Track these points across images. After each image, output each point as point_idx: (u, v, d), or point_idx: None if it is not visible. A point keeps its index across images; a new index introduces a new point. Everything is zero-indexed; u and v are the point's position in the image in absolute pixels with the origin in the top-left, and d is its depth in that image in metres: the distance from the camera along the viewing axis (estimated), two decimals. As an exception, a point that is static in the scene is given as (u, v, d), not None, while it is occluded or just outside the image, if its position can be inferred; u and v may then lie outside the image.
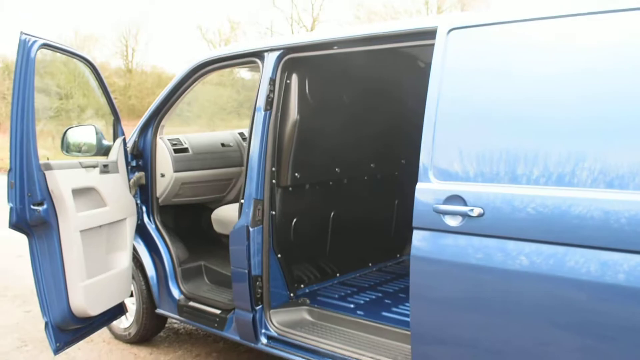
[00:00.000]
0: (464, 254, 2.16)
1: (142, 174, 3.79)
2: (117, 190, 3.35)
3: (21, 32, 2.71)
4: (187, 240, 3.92)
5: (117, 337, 4.04)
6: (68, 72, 32.07)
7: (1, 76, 25.40)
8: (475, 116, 2.23)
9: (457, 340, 2.30)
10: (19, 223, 2.74)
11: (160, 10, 44.77)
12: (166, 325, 4.15)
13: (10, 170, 2.72)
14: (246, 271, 3.05)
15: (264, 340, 3.09)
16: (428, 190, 2.26)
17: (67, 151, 3.49)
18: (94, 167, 3.20)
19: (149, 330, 3.91)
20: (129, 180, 3.59)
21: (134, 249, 3.72)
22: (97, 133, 3.52)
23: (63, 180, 2.89)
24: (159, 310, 3.72)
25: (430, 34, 2.41)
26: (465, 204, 2.15)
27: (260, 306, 3.09)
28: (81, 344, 3.97)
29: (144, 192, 3.80)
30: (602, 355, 1.96)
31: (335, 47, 2.89)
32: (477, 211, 2.11)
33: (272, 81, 3.03)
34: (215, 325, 3.34)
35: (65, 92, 27.49)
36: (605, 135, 1.96)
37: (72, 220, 2.90)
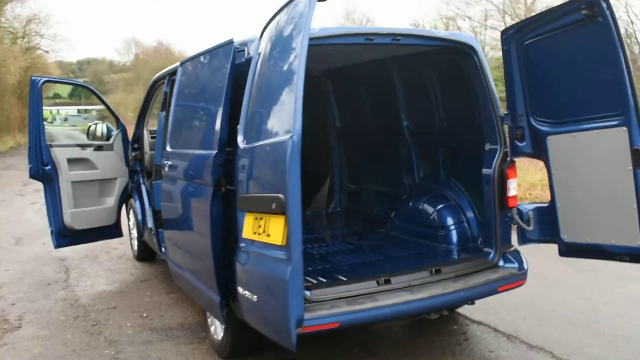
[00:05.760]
0: (167, 183, 3.94)
1: (138, 152, 6.06)
2: (108, 161, 5.65)
3: (31, 76, 5.14)
4: None
5: (134, 256, 6.42)
6: (161, 68, 37.06)
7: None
8: (177, 119, 3.99)
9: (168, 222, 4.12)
10: (35, 175, 5.19)
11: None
12: (164, 251, 6.40)
13: (29, 147, 5.18)
14: (153, 208, 5.09)
15: (163, 249, 5.09)
16: (165, 152, 4.05)
17: (89, 138, 5.91)
18: (90, 147, 5.55)
19: (145, 252, 6.20)
20: (131, 156, 5.86)
21: (132, 200, 6.02)
22: (107, 128, 5.89)
23: (60, 153, 5.26)
24: (143, 238, 5.97)
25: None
26: (169, 160, 3.90)
27: (161, 229, 5.09)
28: (112, 257, 6.46)
29: (140, 163, 6.08)
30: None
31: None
32: (169, 164, 3.86)
33: (165, 93, 5.00)
34: (155, 241, 5.44)
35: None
36: (203, 128, 3.58)
37: (64, 175, 5.26)
